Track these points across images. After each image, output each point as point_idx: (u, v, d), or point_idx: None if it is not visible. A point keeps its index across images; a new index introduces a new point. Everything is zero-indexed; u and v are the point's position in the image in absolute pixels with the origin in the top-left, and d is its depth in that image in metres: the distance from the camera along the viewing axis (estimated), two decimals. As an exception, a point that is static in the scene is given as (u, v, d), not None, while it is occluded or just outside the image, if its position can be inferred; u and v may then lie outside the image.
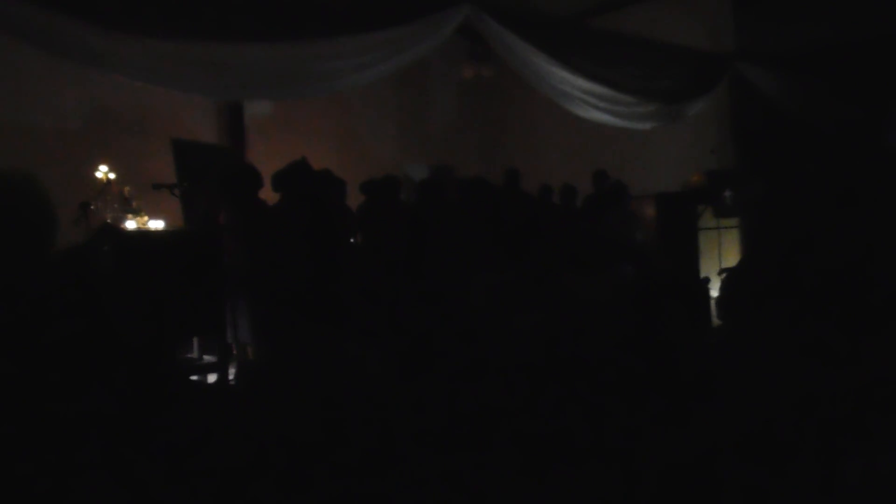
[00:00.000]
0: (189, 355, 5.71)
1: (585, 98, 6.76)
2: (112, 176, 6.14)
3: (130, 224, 5.98)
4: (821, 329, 2.55)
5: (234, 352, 5.44)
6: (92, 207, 5.63)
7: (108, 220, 5.81)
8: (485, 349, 2.52)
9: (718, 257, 7.95)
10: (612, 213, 7.20)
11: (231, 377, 5.22)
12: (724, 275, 3.22)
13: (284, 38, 4.78)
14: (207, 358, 5.65)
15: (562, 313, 3.12)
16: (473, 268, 4.62)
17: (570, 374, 2.28)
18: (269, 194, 5.40)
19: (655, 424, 2.22)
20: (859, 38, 7.44)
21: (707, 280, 5.73)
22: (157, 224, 6.18)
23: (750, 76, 7.89)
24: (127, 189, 6.22)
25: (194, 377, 5.25)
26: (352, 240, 6.42)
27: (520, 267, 4.84)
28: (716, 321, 3.38)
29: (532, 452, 1.97)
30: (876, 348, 2.62)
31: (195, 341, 5.74)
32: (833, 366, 2.29)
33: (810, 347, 2.36)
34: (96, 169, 6.13)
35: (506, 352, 2.46)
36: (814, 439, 2.24)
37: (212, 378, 5.34)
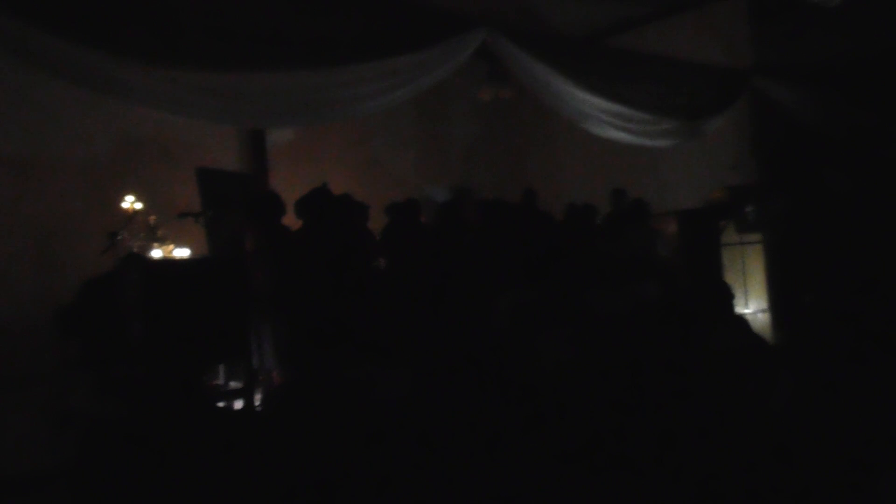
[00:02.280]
0: (215, 382, 5.76)
1: (604, 117, 6.77)
2: (138, 206, 6.24)
3: (156, 253, 6.07)
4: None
5: (260, 377, 5.47)
6: (119, 237, 5.73)
7: (135, 250, 5.90)
8: (509, 369, 2.53)
9: (742, 273, 7.88)
10: (633, 231, 7.18)
11: (257, 403, 5.25)
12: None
13: (305, 66, 4.85)
14: (233, 384, 5.69)
15: (585, 332, 3.11)
16: (496, 288, 4.62)
17: (594, 390, 2.28)
18: (292, 220, 5.46)
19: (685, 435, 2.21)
20: (877, 50, 7.42)
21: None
22: (182, 252, 6.27)
23: (769, 91, 7.87)
24: (153, 218, 6.32)
25: (220, 403, 5.28)
26: (374, 263, 6.46)
27: (542, 286, 4.84)
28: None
29: (557, 464, 1.97)
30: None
31: (221, 368, 5.79)
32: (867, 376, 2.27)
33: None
34: (123, 199, 6.24)
35: (529, 371, 2.47)
36: (846, 449, 2.22)
37: (238, 404, 5.37)
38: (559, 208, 7.59)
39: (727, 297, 3.44)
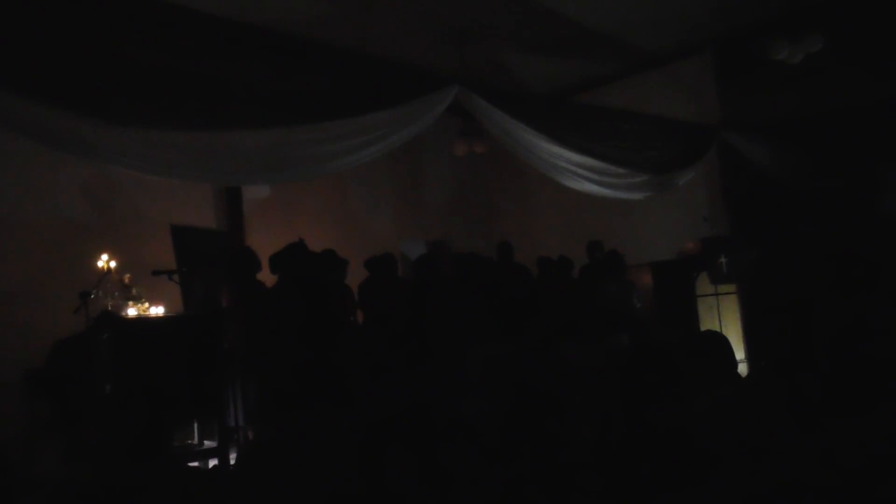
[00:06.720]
0: (189, 441, 5.66)
1: (576, 171, 6.88)
2: (112, 264, 6.19)
3: (131, 311, 6.01)
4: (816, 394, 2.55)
5: (235, 436, 5.39)
6: (92, 296, 5.66)
7: (109, 308, 5.83)
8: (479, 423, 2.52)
9: (718, 324, 7.94)
10: (609, 283, 7.24)
11: (231, 461, 5.16)
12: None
13: (278, 124, 4.89)
14: (208, 443, 5.59)
15: (560, 384, 3.12)
16: (471, 341, 4.62)
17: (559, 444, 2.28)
18: (268, 277, 5.45)
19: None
20: (837, 107, 7.72)
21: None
22: (157, 310, 6.21)
23: (736, 145, 8.08)
24: (127, 276, 6.26)
25: (194, 463, 5.18)
26: (352, 318, 6.44)
27: (517, 339, 4.84)
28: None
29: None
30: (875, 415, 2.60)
31: (195, 426, 5.69)
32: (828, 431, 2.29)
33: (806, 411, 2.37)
34: (97, 258, 6.18)
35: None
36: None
37: (212, 463, 5.27)
38: (535, 261, 7.65)
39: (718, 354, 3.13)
